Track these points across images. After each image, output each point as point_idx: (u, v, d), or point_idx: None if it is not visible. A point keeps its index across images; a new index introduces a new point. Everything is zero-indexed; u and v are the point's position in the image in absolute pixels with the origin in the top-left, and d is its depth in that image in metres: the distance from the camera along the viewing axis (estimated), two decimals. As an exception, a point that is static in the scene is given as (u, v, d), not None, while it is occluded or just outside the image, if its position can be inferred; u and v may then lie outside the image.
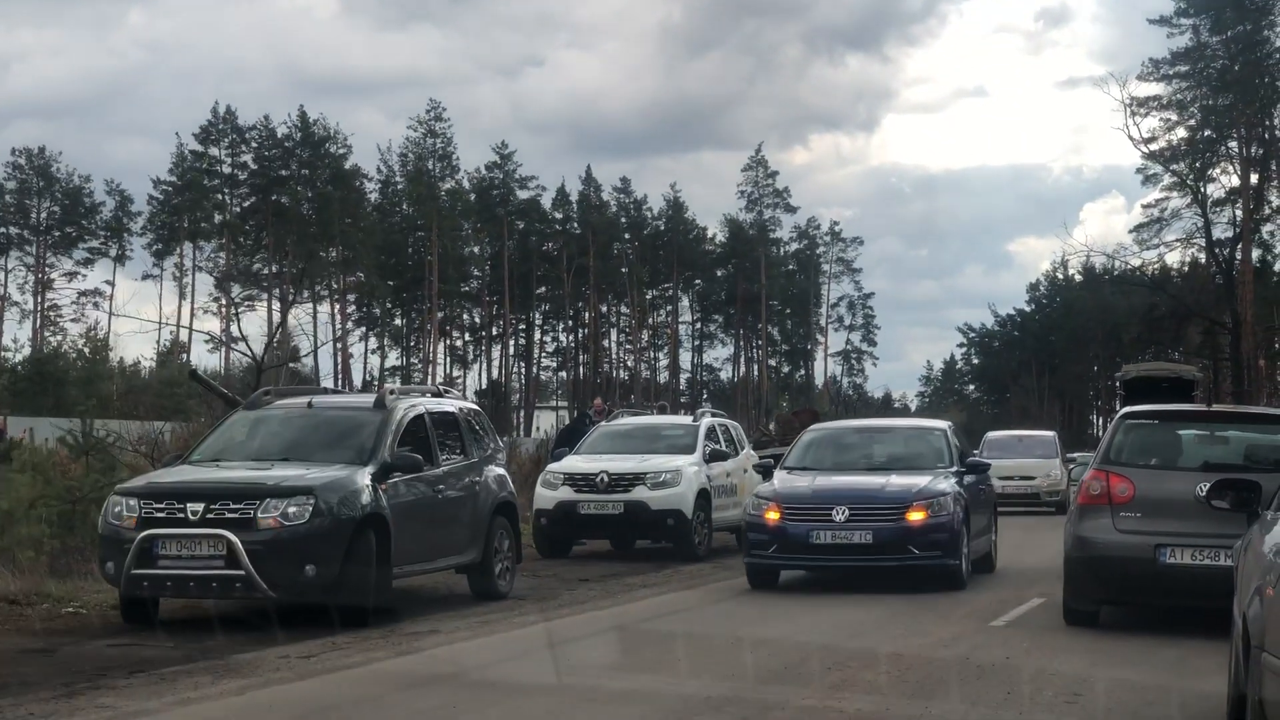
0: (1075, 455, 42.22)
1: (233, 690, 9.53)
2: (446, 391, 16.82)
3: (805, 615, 14.26)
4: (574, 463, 21.71)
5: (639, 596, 16.29)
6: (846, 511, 15.99)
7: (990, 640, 12.43)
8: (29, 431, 32.16)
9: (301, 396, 15.08)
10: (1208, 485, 9.41)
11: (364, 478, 13.21)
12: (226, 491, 12.63)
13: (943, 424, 19.62)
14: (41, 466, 22.12)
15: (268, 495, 12.52)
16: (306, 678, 10.10)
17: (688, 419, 23.91)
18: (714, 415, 24.44)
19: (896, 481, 16.77)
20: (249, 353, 22.29)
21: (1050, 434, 40.58)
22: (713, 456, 22.01)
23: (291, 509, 12.46)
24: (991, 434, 41.07)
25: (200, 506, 12.46)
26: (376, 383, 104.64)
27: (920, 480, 16.77)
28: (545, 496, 21.20)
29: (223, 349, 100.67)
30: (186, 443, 19.99)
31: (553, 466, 21.91)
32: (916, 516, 16.03)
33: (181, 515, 12.48)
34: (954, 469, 17.42)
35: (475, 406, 16.93)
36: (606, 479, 20.84)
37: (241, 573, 12.24)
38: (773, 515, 16.22)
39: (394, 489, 13.54)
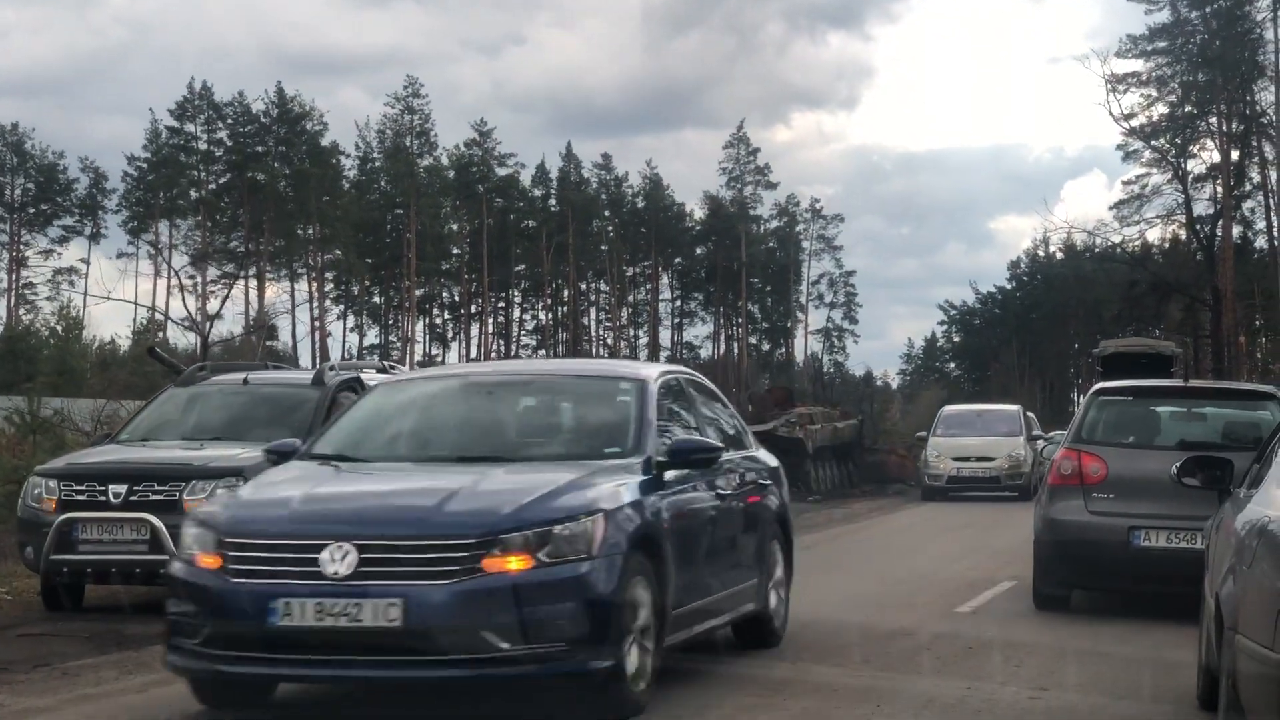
0: (1051, 434, 40.19)
1: (135, 687, 8.91)
2: (393, 368, 16.15)
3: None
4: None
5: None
6: (351, 555, 7.44)
7: (954, 628, 11.86)
8: None
9: (238, 373, 14.42)
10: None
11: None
12: (151, 472, 12.00)
13: (653, 371, 9.98)
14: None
15: (194, 476, 11.91)
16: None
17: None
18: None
19: (490, 485, 8.16)
20: (194, 327, 21.44)
21: (1014, 408, 37.15)
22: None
23: (220, 491, 11.82)
24: (947, 408, 38.28)
25: (123, 488, 11.84)
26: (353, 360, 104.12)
27: (548, 480, 8.18)
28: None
29: (197, 326, 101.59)
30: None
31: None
32: (511, 565, 7.53)
33: (103, 497, 11.87)
34: (643, 457, 8.71)
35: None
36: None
37: (166, 558, 11.56)
38: (208, 563, 7.73)
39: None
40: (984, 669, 9.82)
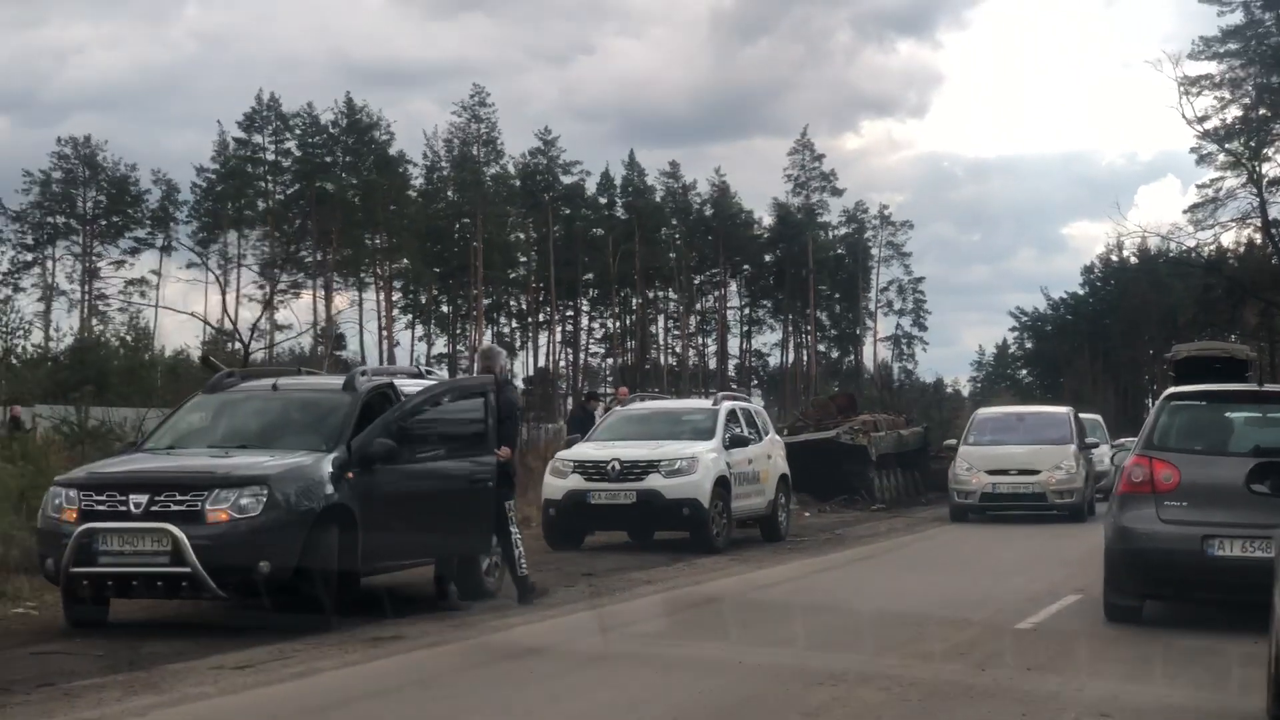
0: (1122, 440, 38.51)
1: (135, 710, 8.44)
2: (429, 373, 15.65)
3: (803, 619, 13.07)
4: (585, 450, 20.60)
5: (639, 594, 15.12)
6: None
7: (1011, 647, 11.16)
8: (35, 419, 31.26)
9: (268, 379, 13.97)
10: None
11: (327, 466, 12.11)
12: (172, 482, 11.56)
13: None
14: (33, 455, 21.23)
15: (217, 486, 11.45)
16: (228, 693, 9.00)
17: (707, 402, 22.72)
18: (736, 398, 23.26)
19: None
20: (236, 333, 21.08)
21: (1063, 410, 31.22)
22: (733, 442, 20.84)
23: (243, 500, 11.40)
24: (982, 411, 33.07)
25: (144, 498, 11.39)
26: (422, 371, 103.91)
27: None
28: (554, 485, 20.09)
29: (268, 337, 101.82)
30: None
31: (562, 454, 20.80)
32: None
33: (124, 508, 11.41)
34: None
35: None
36: (618, 467, 19.72)
37: (188, 570, 11.18)
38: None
39: (363, 478, 12.44)
40: (1041, 692, 9.18)
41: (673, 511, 19.61)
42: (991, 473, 27.71)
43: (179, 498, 11.36)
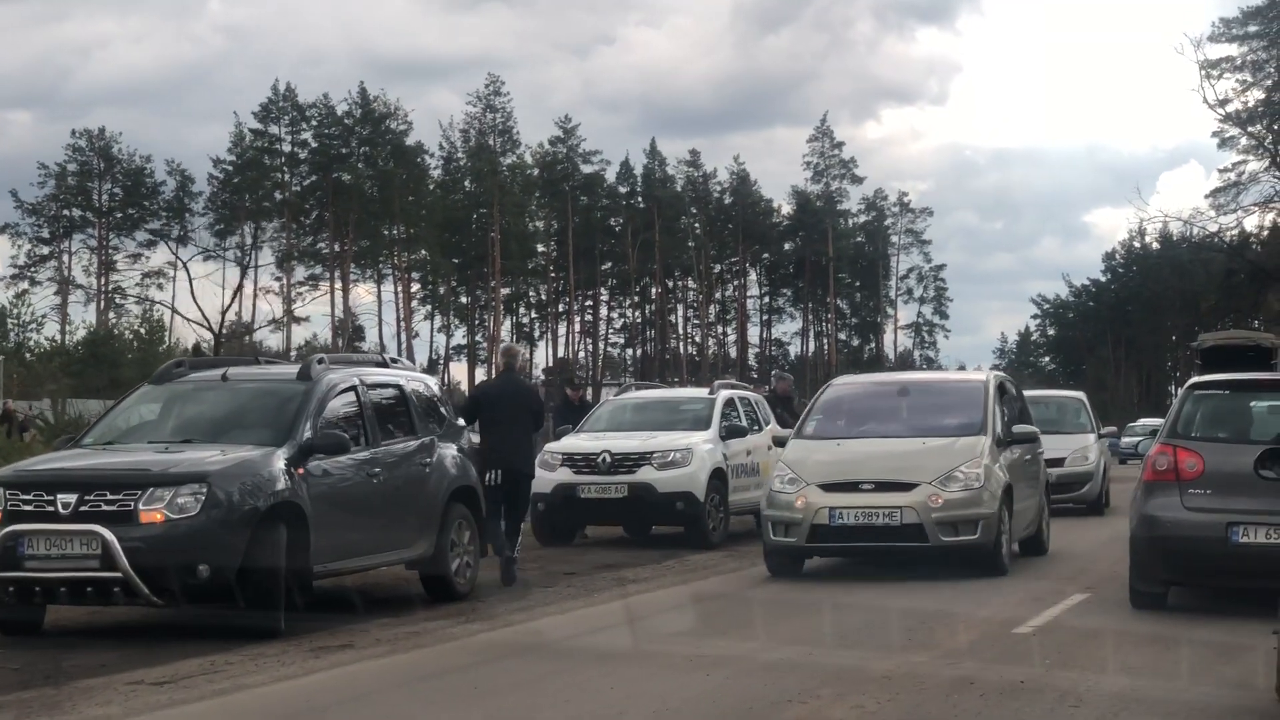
0: (1134, 425, 36.70)
1: (21, 732, 7.70)
2: (394, 361, 14.83)
3: (791, 620, 12.29)
4: (575, 441, 19.81)
5: (627, 592, 14.33)
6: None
7: (1008, 653, 10.34)
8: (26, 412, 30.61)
9: (219, 369, 13.19)
10: None
11: (277, 461, 11.33)
12: (104, 480, 10.78)
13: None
14: (5, 452, 20.61)
15: (152, 484, 10.66)
16: (134, 715, 8.20)
17: (703, 392, 21.89)
18: (734, 387, 22.44)
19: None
20: (205, 322, 20.38)
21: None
22: (730, 433, 20.04)
23: (180, 499, 10.61)
24: (838, 382, 25.08)
25: (73, 498, 10.60)
26: (440, 361, 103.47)
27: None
28: (542, 479, 19.21)
29: (285, 329, 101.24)
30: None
31: (551, 446, 20.00)
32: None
33: (51, 508, 10.62)
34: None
35: (427, 378, 15.01)
36: (609, 459, 18.95)
37: (119, 575, 10.42)
38: None
39: (315, 473, 11.67)
40: (1033, 710, 8.33)
41: (666, 505, 18.82)
42: (828, 488, 15.01)
43: (110, 497, 10.59)
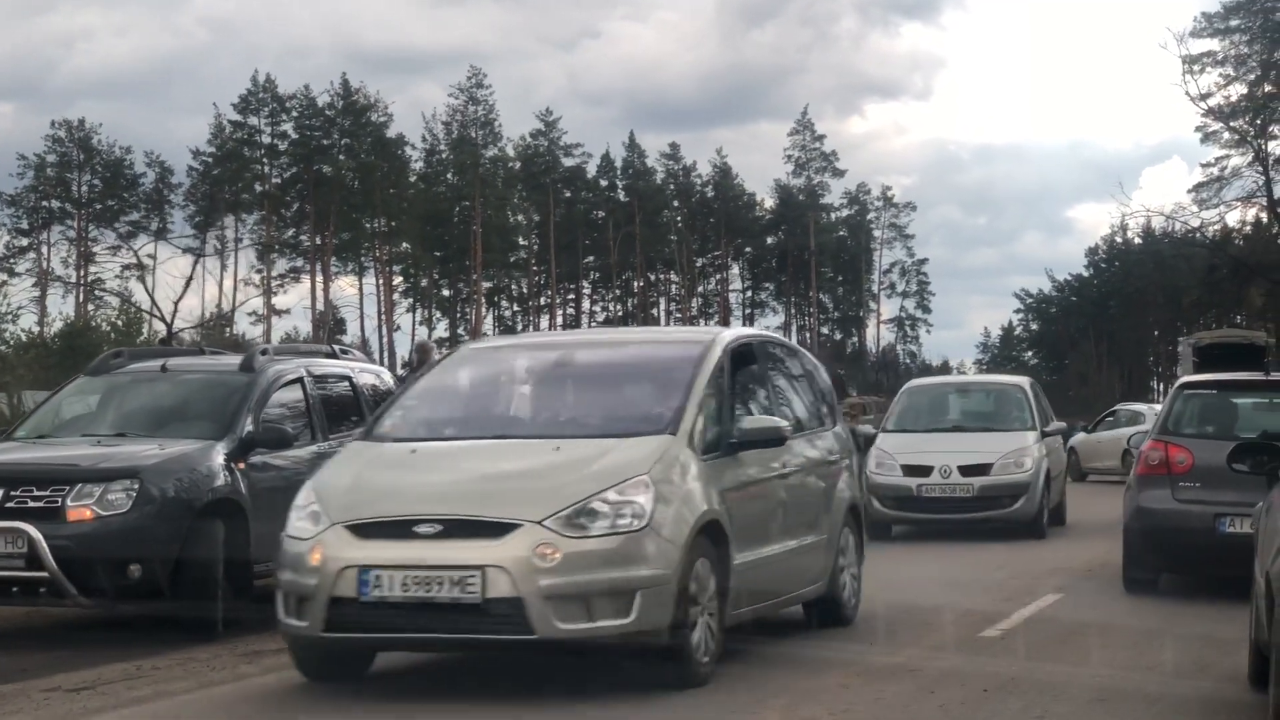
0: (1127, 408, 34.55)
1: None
2: (346, 352, 14.41)
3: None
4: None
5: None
6: None
7: (971, 661, 9.76)
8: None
9: (158, 359, 12.76)
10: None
11: (215, 455, 10.94)
12: (29, 475, 10.37)
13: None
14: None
15: (81, 480, 10.26)
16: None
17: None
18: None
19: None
20: (158, 314, 19.95)
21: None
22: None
23: (111, 495, 10.21)
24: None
25: (-2, 494, 10.22)
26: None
27: None
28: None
29: (265, 321, 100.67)
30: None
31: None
32: None
33: (-27, 506, 10.23)
34: None
35: (379, 369, 14.59)
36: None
37: (45, 575, 10.01)
38: None
39: (257, 469, 11.26)
40: (994, 718, 7.93)
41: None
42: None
43: (37, 493, 10.18)
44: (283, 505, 11.29)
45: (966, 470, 19.30)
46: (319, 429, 12.28)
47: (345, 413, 12.91)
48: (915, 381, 24.96)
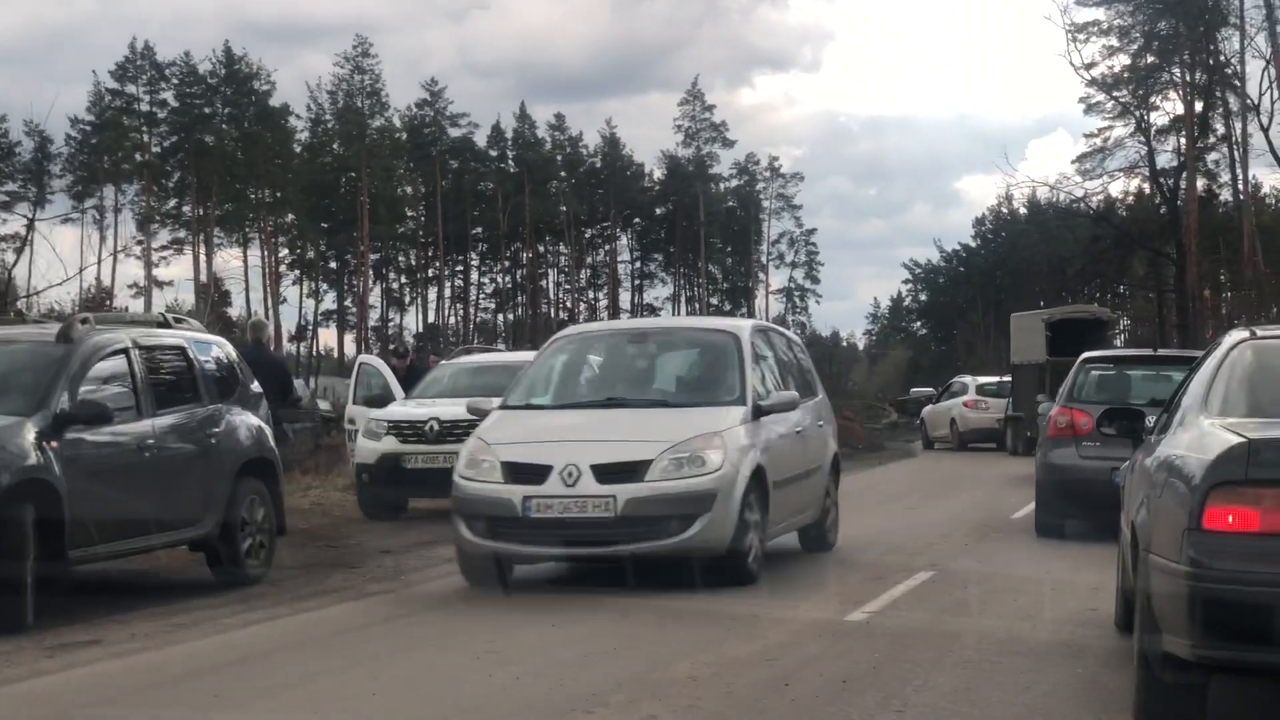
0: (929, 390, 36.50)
1: None
2: (179, 321, 13.54)
3: (597, 615, 11.08)
4: (403, 409, 18.67)
5: (439, 574, 13.24)
6: None
7: (835, 647, 9.21)
8: None
9: (-30, 332, 11.89)
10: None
11: (25, 433, 10.08)
12: None
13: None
14: None
15: None
16: None
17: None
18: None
19: None
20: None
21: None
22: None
23: None
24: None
25: None
26: (310, 328, 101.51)
27: None
28: (366, 448, 18.18)
29: (145, 294, 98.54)
30: None
31: (376, 413, 18.84)
32: None
33: None
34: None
35: (219, 340, 13.73)
36: (436, 427, 17.80)
37: None
38: None
39: (72, 447, 10.42)
40: (851, 713, 7.34)
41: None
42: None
43: None
44: (104, 485, 10.61)
45: (605, 471, 11.47)
46: (146, 404, 11.46)
47: (179, 386, 12.12)
48: (571, 329, 16.18)
